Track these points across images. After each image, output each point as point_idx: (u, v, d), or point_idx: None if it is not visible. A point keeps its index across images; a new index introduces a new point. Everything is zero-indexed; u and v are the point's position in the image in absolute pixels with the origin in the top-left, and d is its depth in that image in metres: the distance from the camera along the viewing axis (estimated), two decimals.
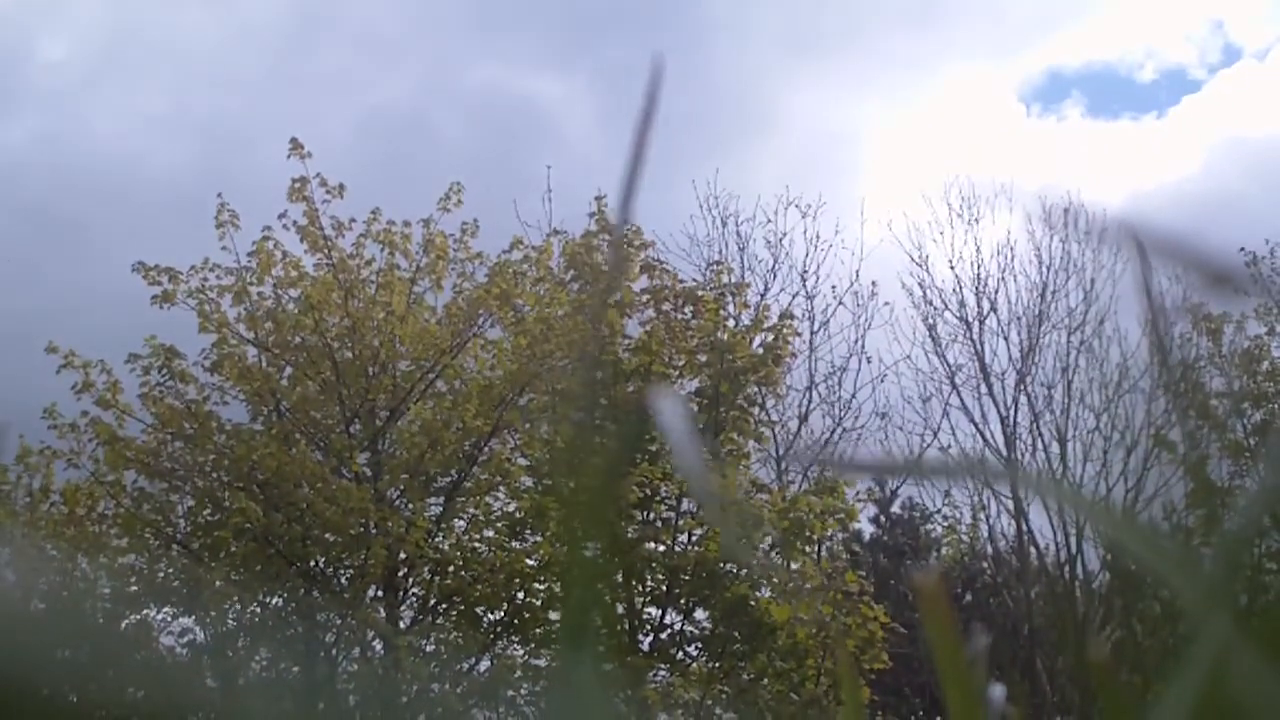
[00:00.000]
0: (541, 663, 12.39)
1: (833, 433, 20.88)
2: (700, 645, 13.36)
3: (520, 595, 12.89)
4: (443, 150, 28.36)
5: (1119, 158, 31.18)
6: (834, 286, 22.39)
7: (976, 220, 21.69)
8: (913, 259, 21.92)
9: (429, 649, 12.33)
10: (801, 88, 31.24)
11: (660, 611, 13.31)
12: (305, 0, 32.19)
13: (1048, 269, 21.04)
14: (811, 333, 21.18)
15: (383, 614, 12.21)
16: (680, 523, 13.26)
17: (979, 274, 21.40)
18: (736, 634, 12.83)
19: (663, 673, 12.86)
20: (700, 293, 14.34)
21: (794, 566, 12.98)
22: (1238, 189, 28.48)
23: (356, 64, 31.53)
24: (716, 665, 12.92)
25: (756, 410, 14.80)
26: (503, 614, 12.98)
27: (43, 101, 30.66)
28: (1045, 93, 36.38)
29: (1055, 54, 34.61)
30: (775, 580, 12.67)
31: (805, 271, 21.68)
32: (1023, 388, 20.57)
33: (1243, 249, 18.84)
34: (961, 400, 20.97)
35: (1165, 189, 28.31)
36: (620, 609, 13.10)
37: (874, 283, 21.99)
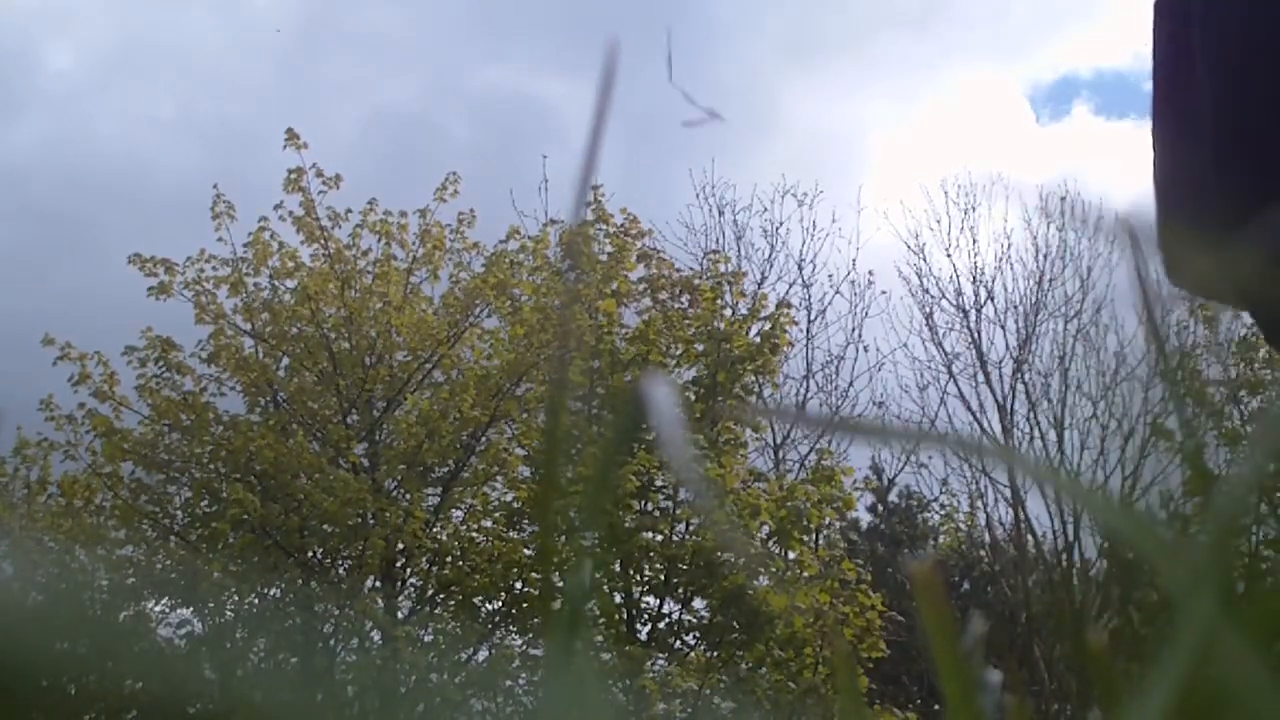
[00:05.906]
0: (540, 652, 12.40)
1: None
2: (698, 634, 13.37)
3: (518, 585, 12.91)
4: (446, 150, 28.32)
5: (1122, 153, 31.15)
6: (831, 275, 22.46)
7: (974, 209, 21.70)
8: (910, 248, 21.94)
9: (427, 639, 12.34)
10: (803, 89, 31.16)
11: (658, 600, 13.33)
12: (310, 4, 32.11)
13: (1045, 257, 21.03)
14: (808, 322, 21.17)
15: (381, 604, 12.21)
16: (678, 512, 13.26)
17: (976, 263, 21.43)
18: (734, 623, 12.84)
19: (660, 662, 12.87)
20: (697, 282, 14.33)
21: (791, 555, 13.00)
22: None
23: (359, 67, 31.48)
24: (714, 654, 12.93)
25: (754, 399, 14.80)
26: (501, 604, 13.00)
27: (49, 106, 30.63)
28: (1053, 95, 36.24)
29: (1065, 60, 34.54)
30: (773, 569, 12.68)
31: (802, 260, 21.69)
32: (1020, 376, 20.58)
33: None
34: (959, 389, 20.98)
35: None
36: (618, 598, 13.12)
37: (871, 272, 21.98)
